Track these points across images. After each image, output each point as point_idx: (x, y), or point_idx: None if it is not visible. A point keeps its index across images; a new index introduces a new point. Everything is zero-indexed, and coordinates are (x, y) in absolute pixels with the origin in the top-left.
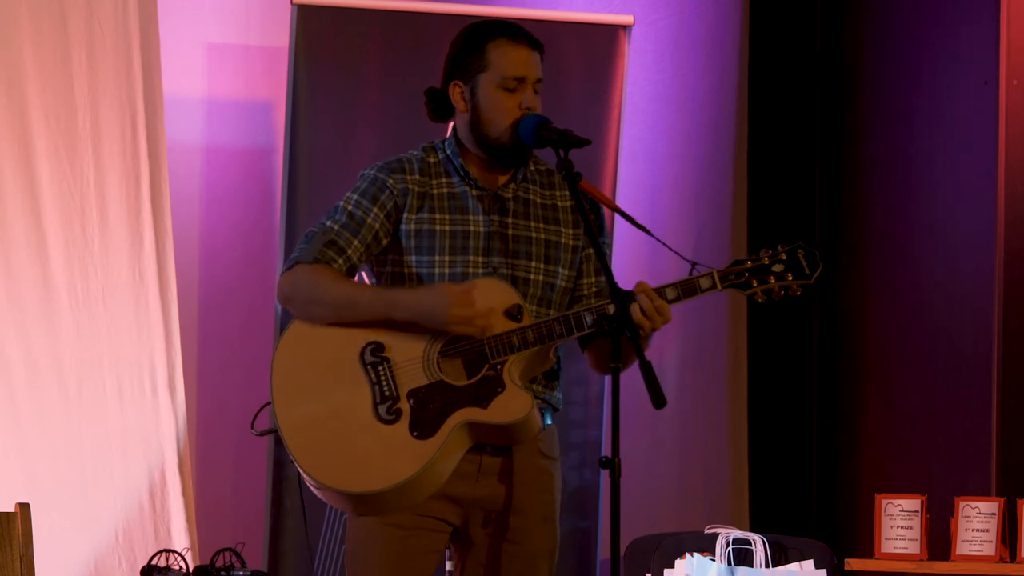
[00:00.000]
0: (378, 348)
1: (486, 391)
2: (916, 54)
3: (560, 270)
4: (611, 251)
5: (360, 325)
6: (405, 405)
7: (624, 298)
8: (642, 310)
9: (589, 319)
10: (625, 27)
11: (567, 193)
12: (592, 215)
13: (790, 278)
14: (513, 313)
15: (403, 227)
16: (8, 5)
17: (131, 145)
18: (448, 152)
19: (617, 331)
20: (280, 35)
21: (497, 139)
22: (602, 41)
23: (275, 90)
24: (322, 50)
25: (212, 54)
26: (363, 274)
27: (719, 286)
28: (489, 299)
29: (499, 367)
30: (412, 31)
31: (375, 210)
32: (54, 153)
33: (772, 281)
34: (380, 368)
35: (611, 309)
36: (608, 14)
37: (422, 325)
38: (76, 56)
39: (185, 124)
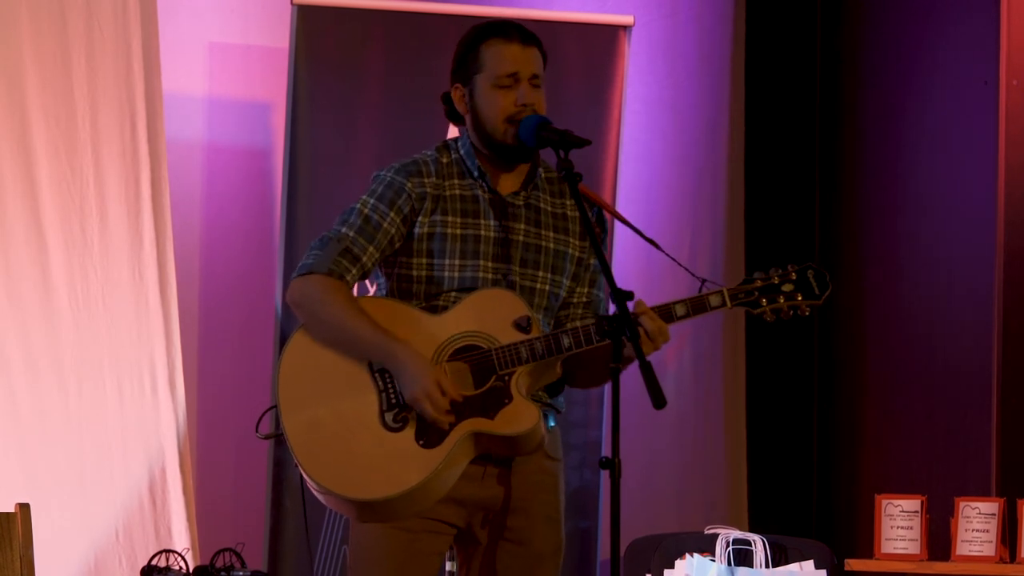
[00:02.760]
0: None
1: (493, 402)
2: (916, 54)
3: (564, 281)
4: (611, 255)
5: None
6: (412, 413)
7: (625, 298)
8: (647, 333)
9: (597, 332)
10: (625, 27)
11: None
12: (596, 228)
13: (799, 298)
14: (522, 324)
15: (416, 230)
16: (8, 5)
17: (131, 145)
18: (462, 152)
19: (617, 331)
20: (281, 35)
21: (494, 137)
22: (602, 42)
23: (275, 90)
24: (322, 50)
25: (213, 54)
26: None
27: (729, 304)
28: (497, 310)
29: (507, 378)
30: (413, 31)
31: (392, 215)
32: (54, 153)
33: (781, 300)
34: (387, 375)
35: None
36: (608, 14)
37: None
38: (76, 56)
39: (185, 124)
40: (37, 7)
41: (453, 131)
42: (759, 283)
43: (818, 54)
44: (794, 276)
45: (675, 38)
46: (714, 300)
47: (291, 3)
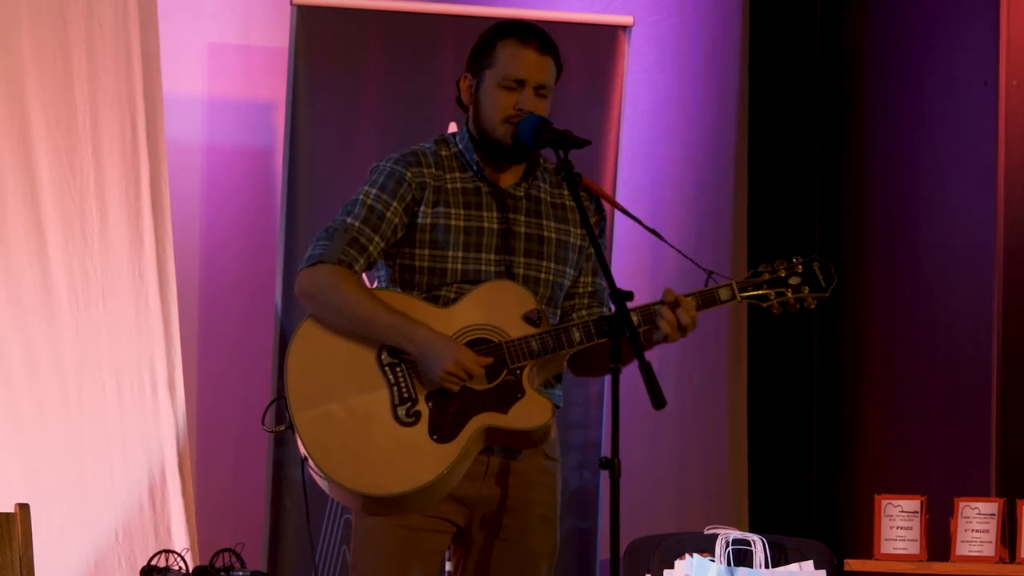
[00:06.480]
0: (396, 349)
1: (506, 396)
2: (916, 54)
3: (568, 270)
4: (611, 252)
5: None
6: (424, 407)
7: (624, 298)
8: (680, 323)
9: (606, 326)
10: (625, 28)
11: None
12: (596, 216)
13: (806, 291)
14: (532, 318)
15: (418, 220)
16: (8, 5)
17: (131, 145)
18: (461, 146)
19: (617, 331)
20: (280, 35)
21: (491, 134)
22: (602, 42)
23: (275, 90)
24: (322, 50)
25: (212, 54)
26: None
27: (738, 297)
28: (506, 304)
29: (518, 372)
30: (412, 32)
31: (395, 204)
32: (54, 153)
33: (789, 294)
34: (398, 369)
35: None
36: (608, 15)
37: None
38: (76, 56)
39: (185, 124)
40: (37, 7)
41: (453, 129)
42: (767, 276)
43: (818, 54)
44: (800, 269)
45: (680, 38)
46: (724, 294)
47: (291, 3)
